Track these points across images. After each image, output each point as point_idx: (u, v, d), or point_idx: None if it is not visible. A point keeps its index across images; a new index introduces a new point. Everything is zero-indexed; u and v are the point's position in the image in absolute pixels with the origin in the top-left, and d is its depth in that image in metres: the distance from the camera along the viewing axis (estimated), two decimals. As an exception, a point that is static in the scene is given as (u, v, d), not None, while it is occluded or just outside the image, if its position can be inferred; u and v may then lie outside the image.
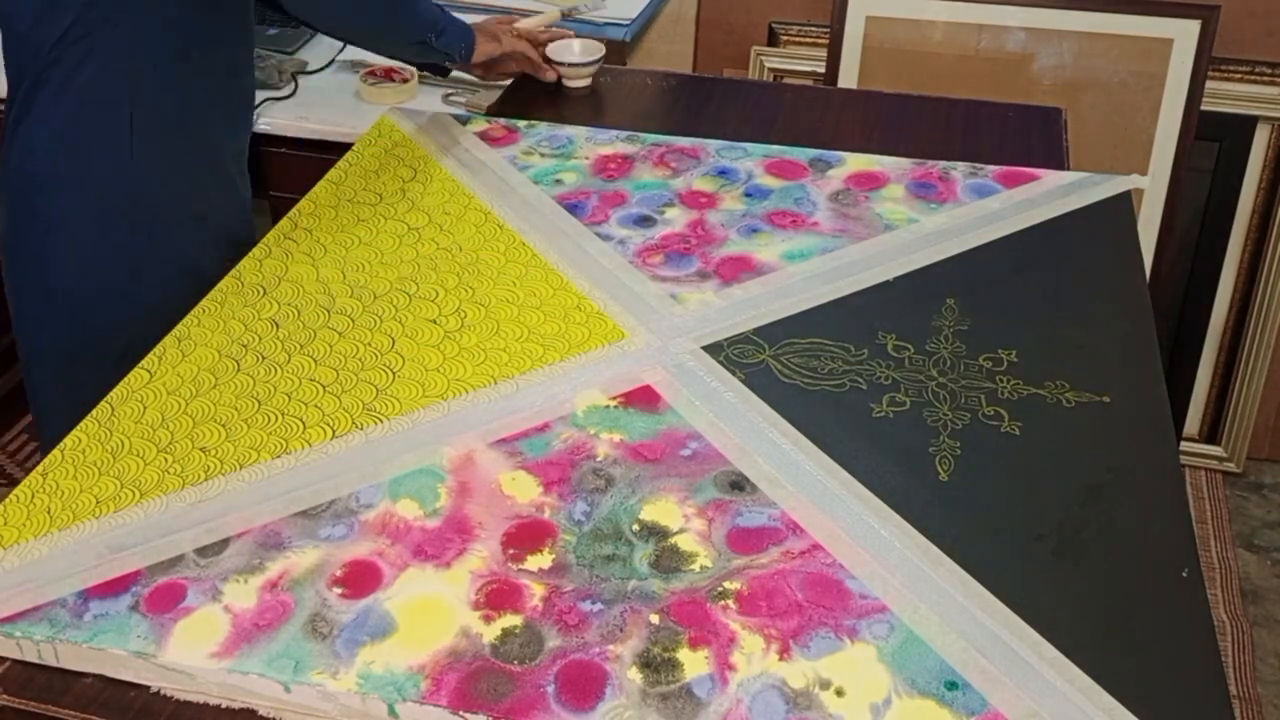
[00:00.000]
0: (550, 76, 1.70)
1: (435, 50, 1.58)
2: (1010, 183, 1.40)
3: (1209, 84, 2.14)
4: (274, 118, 1.95)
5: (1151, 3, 2.10)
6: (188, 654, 0.87)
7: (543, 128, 1.54)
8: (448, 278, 1.25)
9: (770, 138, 1.54)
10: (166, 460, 1.03)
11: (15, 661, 0.89)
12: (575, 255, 1.29)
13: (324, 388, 1.11)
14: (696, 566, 0.93)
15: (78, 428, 1.07)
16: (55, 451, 1.05)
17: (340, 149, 2.01)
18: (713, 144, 1.50)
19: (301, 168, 1.92)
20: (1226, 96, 2.22)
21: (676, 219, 1.35)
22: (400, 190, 1.41)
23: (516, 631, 0.88)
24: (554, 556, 0.94)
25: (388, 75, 1.99)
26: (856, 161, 1.46)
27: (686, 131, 1.56)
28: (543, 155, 1.48)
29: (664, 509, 0.98)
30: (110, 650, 0.87)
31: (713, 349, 1.15)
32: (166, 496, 1.00)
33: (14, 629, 0.88)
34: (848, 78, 2.22)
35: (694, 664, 0.85)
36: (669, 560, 0.93)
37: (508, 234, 1.32)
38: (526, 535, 0.96)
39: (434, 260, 1.28)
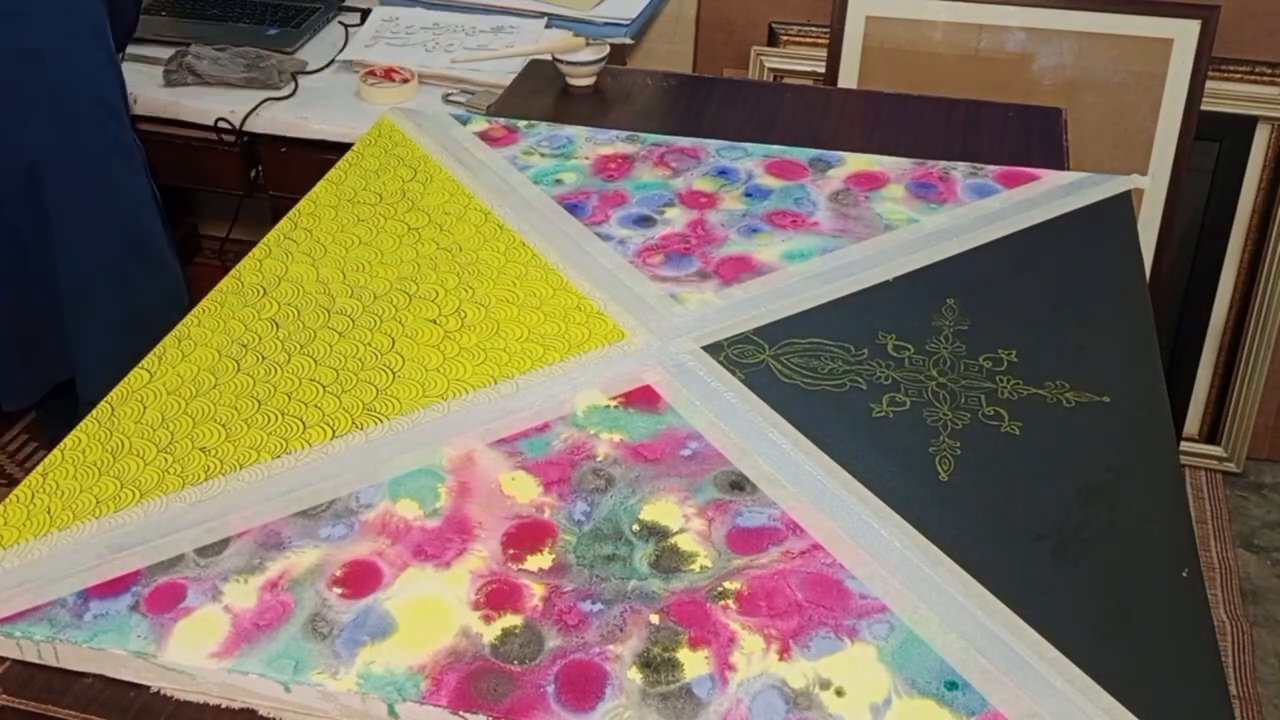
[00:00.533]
0: None
1: None
2: (1010, 183, 1.40)
3: (1209, 84, 2.14)
4: (274, 117, 1.95)
5: (1151, 3, 2.10)
6: (188, 654, 0.87)
7: (543, 128, 1.54)
8: (448, 278, 1.25)
9: (770, 138, 1.54)
10: (166, 460, 1.04)
11: (15, 661, 0.89)
12: (575, 255, 1.29)
13: (324, 388, 1.11)
14: (696, 566, 0.93)
15: (78, 428, 1.07)
16: (55, 451, 1.05)
17: (340, 149, 2.01)
18: (713, 144, 1.50)
19: (301, 168, 1.93)
20: (1226, 96, 2.22)
21: (676, 219, 1.35)
22: (400, 190, 1.41)
23: (517, 631, 0.88)
24: (554, 556, 0.94)
25: (388, 75, 1.99)
26: (856, 161, 1.46)
27: (686, 131, 1.56)
28: (543, 155, 1.48)
29: (664, 509, 0.98)
30: (110, 650, 0.87)
31: (713, 349, 1.15)
32: (166, 496, 1.00)
33: (14, 629, 0.89)
34: (848, 78, 2.22)
35: (694, 664, 0.85)
36: (669, 560, 0.93)
37: (508, 234, 1.32)
38: (526, 535, 0.96)
39: (434, 260, 1.28)
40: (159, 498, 1.00)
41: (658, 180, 1.43)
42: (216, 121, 1.95)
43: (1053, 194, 1.38)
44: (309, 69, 2.07)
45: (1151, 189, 2.18)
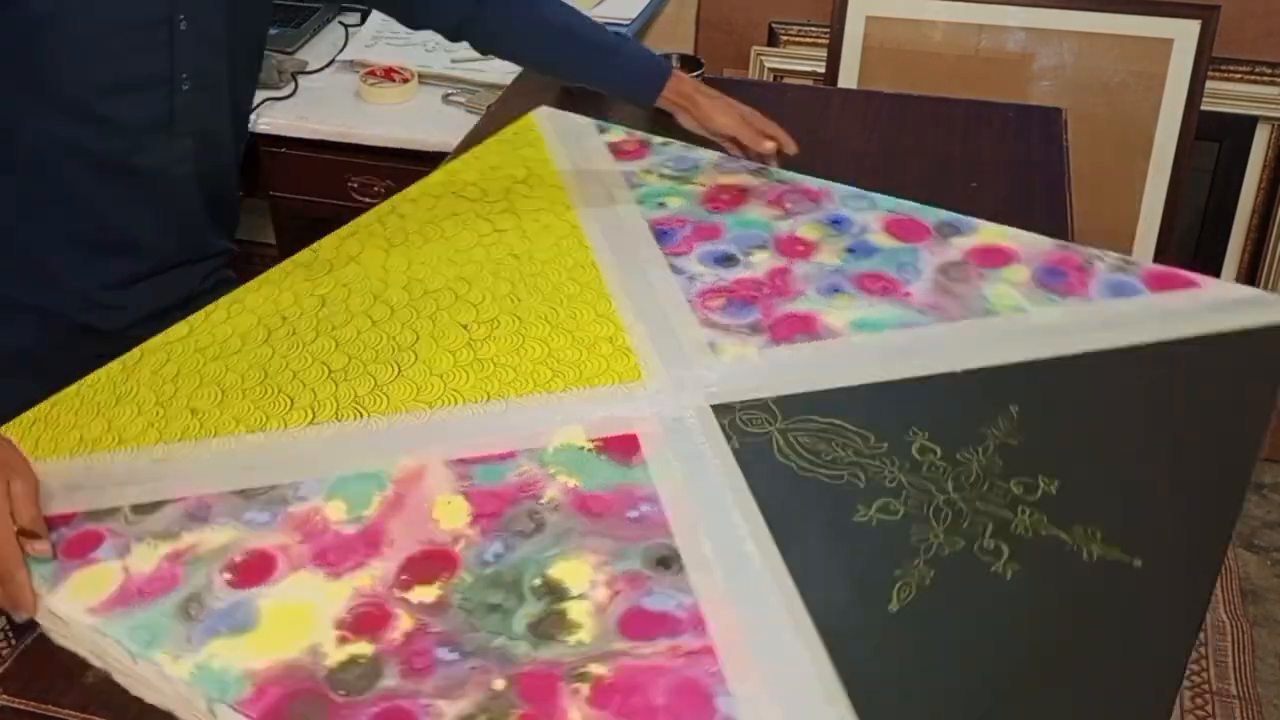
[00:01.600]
0: (768, 147, 1.45)
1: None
2: (1159, 286, 1.20)
3: (1209, 84, 2.14)
4: (274, 118, 1.95)
5: (1151, 3, 2.10)
6: (69, 603, 0.87)
7: (676, 147, 1.46)
8: (501, 285, 1.22)
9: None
10: (157, 414, 1.04)
11: (15, 661, 0.89)
12: (635, 284, 1.22)
13: (330, 372, 1.10)
14: (573, 639, 0.85)
15: (103, 368, 1.10)
16: (72, 387, 1.07)
17: (341, 149, 2.01)
18: (841, 190, 1.38)
19: (301, 167, 1.93)
20: (1226, 96, 2.22)
21: (760, 264, 1.24)
22: (505, 190, 1.38)
23: (361, 661, 0.84)
24: (441, 593, 0.88)
25: (388, 75, 2.00)
26: (989, 233, 1.29)
27: (686, 130, 1.55)
28: (661, 176, 1.40)
29: (576, 570, 0.90)
30: None
31: (723, 409, 1.05)
32: (137, 449, 1.00)
33: None
34: (848, 78, 2.22)
35: None
36: (549, 626, 0.86)
37: (582, 251, 1.27)
38: (427, 564, 0.91)
39: (498, 265, 1.25)
40: (131, 448, 1.00)
41: (763, 219, 1.32)
42: (217, 121, 1.95)
43: (1203, 308, 1.17)
44: (309, 69, 2.07)
45: (1151, 189, 2.18)
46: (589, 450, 1.00)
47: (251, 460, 1.00)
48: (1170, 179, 2.17)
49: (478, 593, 0.88)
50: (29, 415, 1.04)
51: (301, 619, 0.87)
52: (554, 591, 0.88)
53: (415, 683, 0.82)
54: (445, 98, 1.98)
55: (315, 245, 1.27)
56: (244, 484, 0.98)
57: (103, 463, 0.99)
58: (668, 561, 0.90)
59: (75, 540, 0.92)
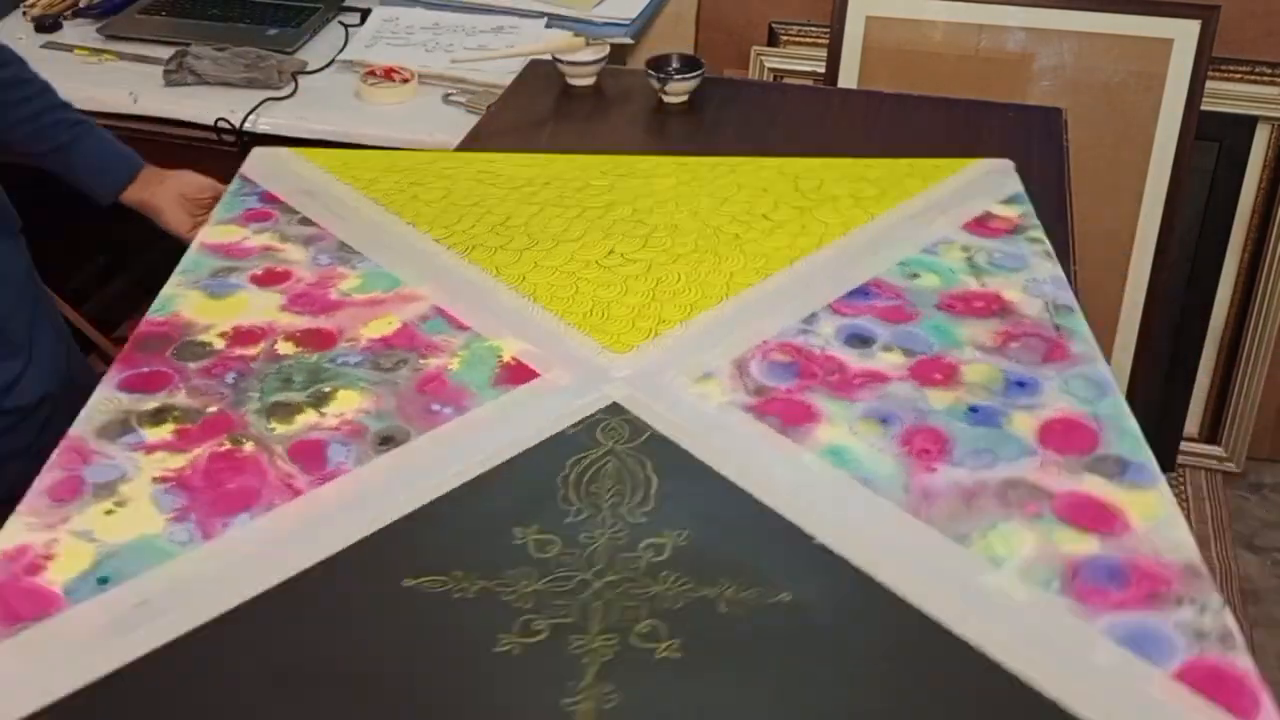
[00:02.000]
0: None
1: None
2: (1204, 689, 0.77)
3: (1209, 84, 2.14)
4: (274, 118, 1.95)
5: (1151, 3, 2.10)
6: (210, 234, 1.26)
7: (1032, 249, 1.24)
8: (688, 243, 1.26)
9: (770, 138, 1.54)
10: (399, 186, 1.35)
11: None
12: (758, 304, 1.17)
13: (501, 223, 1.29)
14: (270, 426, 1.00)
15: (422, 151, 1.48)
16: (396, 152, 1.45)
17: (340, 148, 2.01)
18: (1090, 371, 1.06)
19: (301, 168, 1.91)
20: (1226, 96, 2.22)
21: (873, 360, 1.08)
22: (837, 195, 1.35)
23: (204, 347, 1.09)
24: (291, 352, 1.08)
25: (388, 75, 2.00)
26: (1140, 503, 0.92)
27: (686, 130, 1.55)
28: (969, 259, 1.23)
29: (349, 400, 1.03)
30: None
31: (615, 410, 1.02)
32: (358, 193, 1.34)
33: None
34: (848, 78, 2.22)
35: (160, 435, 0.99)
36: (278, 410, 1.02)
37: (780, 262, 1.23)
38: (313, 335, 1.11)
39: (718, 232, 1.28)
40: (358, 191, 1.34)
41: (958, 340, 1.11)
42: (216, 121, 1.95)
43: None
44: (309, 69, 2.07)
45: (1151, 189, 2.18)
46: (496, 360, 1.08)
47: (379, 234, 1.27)
48: (1170, 179, 2.17)
49: (298, 369, 1.07)
50: (359, 152, 1.45)
51: (236, 308, 1.15)
52: (317, 400, 1.03)
53: (197, 375, 1.06)
54: (445, 98, 1.98)
55: (659, 161, 1.42)
56: (354, 241, 1.25)
57: (338, 190, 1.35)
58: (390, 442, 0.98)
59: (257, 212, 1.30)
